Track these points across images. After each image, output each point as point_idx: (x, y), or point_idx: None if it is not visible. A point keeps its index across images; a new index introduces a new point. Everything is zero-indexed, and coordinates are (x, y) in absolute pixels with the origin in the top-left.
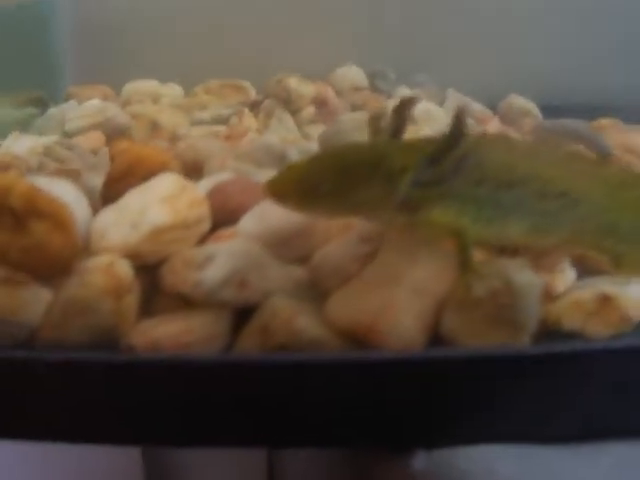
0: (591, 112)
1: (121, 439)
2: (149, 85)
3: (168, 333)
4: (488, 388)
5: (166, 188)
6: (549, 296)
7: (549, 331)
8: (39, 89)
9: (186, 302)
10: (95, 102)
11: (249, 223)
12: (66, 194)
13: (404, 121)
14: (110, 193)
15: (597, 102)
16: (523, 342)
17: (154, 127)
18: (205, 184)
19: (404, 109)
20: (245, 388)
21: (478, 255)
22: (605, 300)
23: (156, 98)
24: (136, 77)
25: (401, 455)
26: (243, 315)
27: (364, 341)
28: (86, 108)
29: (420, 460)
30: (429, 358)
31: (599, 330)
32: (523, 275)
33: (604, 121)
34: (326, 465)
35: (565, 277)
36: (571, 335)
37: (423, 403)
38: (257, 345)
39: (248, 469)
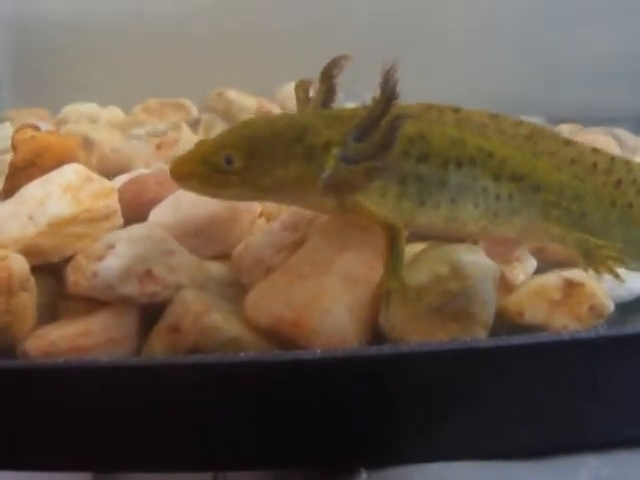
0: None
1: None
2: (88, 107)
3: (64, 336)
4: (438, 391)
5: (68, 178)
6: (508, 287)
7: (509, 326)
8: None
9: (90, 304)
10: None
11: (161, 214)
12: None
13: (334, 86)
14: (13, 186)
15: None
16: (479, 336)
17: (87, 143)
18: (122, 179)
19: (333, 71)
20: (147, 397)
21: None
22: (572, 287)
23: (94, 119)
24: (79, 100)
25: (339, 476)
26: (154, 315)
27: (289, 339)
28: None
29: None
30: (365, 356)
31: (566, 323)
32: (472, 256)
33: (563, 126)
34: None
35: (525, 267)
36: (534, 330)
37: (360, 411)
38: (168, 347)
39: None
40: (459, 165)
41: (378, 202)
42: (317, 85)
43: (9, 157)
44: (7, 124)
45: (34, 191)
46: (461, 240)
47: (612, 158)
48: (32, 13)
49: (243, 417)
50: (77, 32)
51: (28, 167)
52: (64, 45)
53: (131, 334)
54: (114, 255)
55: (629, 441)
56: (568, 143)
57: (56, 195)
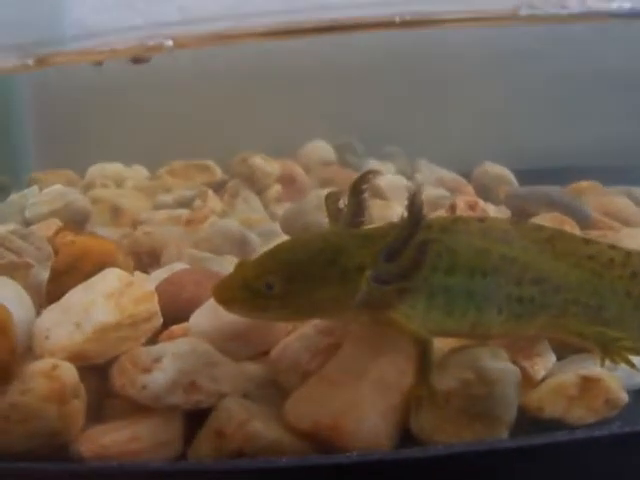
0: (568, 175)
1: None
2: (113, 168)
3: (115, 441)
4: None
5: (110, 284)
6: (529, 382)
7: (529, 420)
8: (1, 174)
9: (137, 405)
10: (56, 187)
11: (201, 318)
12: (7, 294)
13: (363, 201)
14: (55, 288)
15: (572, 165)
16: (501, 436)
17: (115, 212)
18: (159, 274)
19: (361, 186)
20: None
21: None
22: (589, 382)
23: (120, 181)
24: (102, 160)
25: None
26: (198, 419)
27: (327, 443)
28: (46, 194)
29: None
30: (399, 459)
31: (581, 416)
32: (497, 363)
33: (583, 184)
34: None
35: (545, 361)
36: (552, 423)
37: None
38: (212, 451)
39: None
40: (484, 275)
41: (408, 314)
42: (345, 197)
43: (40, 228)
44: (35, 187)
45: (78, 298)
46: (485, 338)
47: (628, 253)
48: (56, 75)
49: None
50: (100, 92)
51: (70, 270)
52: (87, 104)
53: (176, 437)
54: (161, 370)
55: None
56: (587, 242)
57: (99, 302)
